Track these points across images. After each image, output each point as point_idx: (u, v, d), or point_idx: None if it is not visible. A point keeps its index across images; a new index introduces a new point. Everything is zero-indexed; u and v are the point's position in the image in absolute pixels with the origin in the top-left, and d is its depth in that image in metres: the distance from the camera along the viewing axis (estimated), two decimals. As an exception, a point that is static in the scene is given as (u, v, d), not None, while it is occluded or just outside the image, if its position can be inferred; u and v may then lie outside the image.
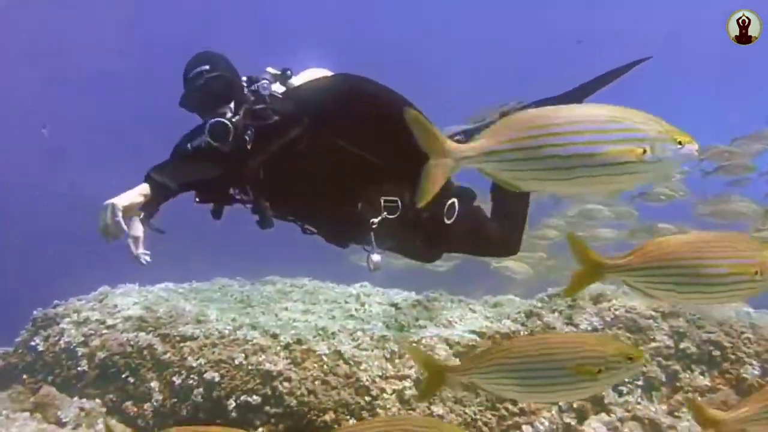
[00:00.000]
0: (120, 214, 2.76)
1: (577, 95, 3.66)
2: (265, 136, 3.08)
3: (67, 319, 5.25)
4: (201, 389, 4.53)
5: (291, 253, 8.44)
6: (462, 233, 3.62)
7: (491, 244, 3.92)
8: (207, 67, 3.11)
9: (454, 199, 3.53)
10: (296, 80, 3.36)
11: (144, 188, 2.91)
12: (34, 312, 5.52)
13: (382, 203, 3.31)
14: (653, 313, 4.90)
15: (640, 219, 6.98)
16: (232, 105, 3.11)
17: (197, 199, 3.23)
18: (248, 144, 3.07)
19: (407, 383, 4.52)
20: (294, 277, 7.20)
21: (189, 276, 6.94)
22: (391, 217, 3.32)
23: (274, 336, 4.89)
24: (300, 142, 3.12)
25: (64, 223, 14.84)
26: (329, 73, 3.46)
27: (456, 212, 3.52)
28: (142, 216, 3.09)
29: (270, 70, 3.32)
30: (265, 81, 3.20)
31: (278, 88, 3.29)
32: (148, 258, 2.97)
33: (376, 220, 3.29)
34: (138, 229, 2.96)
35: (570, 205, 6.99)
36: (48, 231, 16.26)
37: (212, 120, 3.02)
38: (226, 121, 3.01)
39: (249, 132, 3.05)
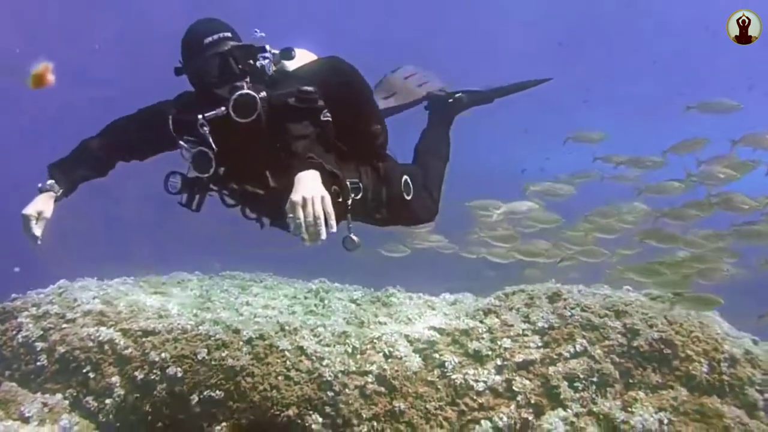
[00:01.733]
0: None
1: (492, 94, 4.30)
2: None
3: (26, 313, 5.18)
4: (164, 384, 4.54)
5: (247, 247, 8.42)
6: (414, 206, 3.72)
7: (424, 212, 3.96)
8: (228, 34, 2.95)
9: (406, 176, 3.63)
10: (290, 63, 3.30)
11: None
12: (-9, 305, 5.42)
13: (349, 185, 3.29)
14: (607, 312, 5.06)
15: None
16: (248, 78, 2.96)
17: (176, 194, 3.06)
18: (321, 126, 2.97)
19: (369, 378, 4.60)
20: (252, 272, 7.23)
21: (146, 270, 6.90)
22: (356, 198, 3.31)
23: (237, 331, 4.92)
24: None
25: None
26: (314, 56, 3.43)
27: (411, 188, 3.63)
28: (59, 194, 2.98)
29: (268, 48, 3.18)
30: (267, 60, 3.07)
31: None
32: (39, 241, 2.83)
33: (349, 201, 3.27)
34: (50, 208, 2.89)
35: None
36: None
37: (239, 92, 2.85)
38: (254, 94, 2.86)
39: (324, 112, 2.95)
